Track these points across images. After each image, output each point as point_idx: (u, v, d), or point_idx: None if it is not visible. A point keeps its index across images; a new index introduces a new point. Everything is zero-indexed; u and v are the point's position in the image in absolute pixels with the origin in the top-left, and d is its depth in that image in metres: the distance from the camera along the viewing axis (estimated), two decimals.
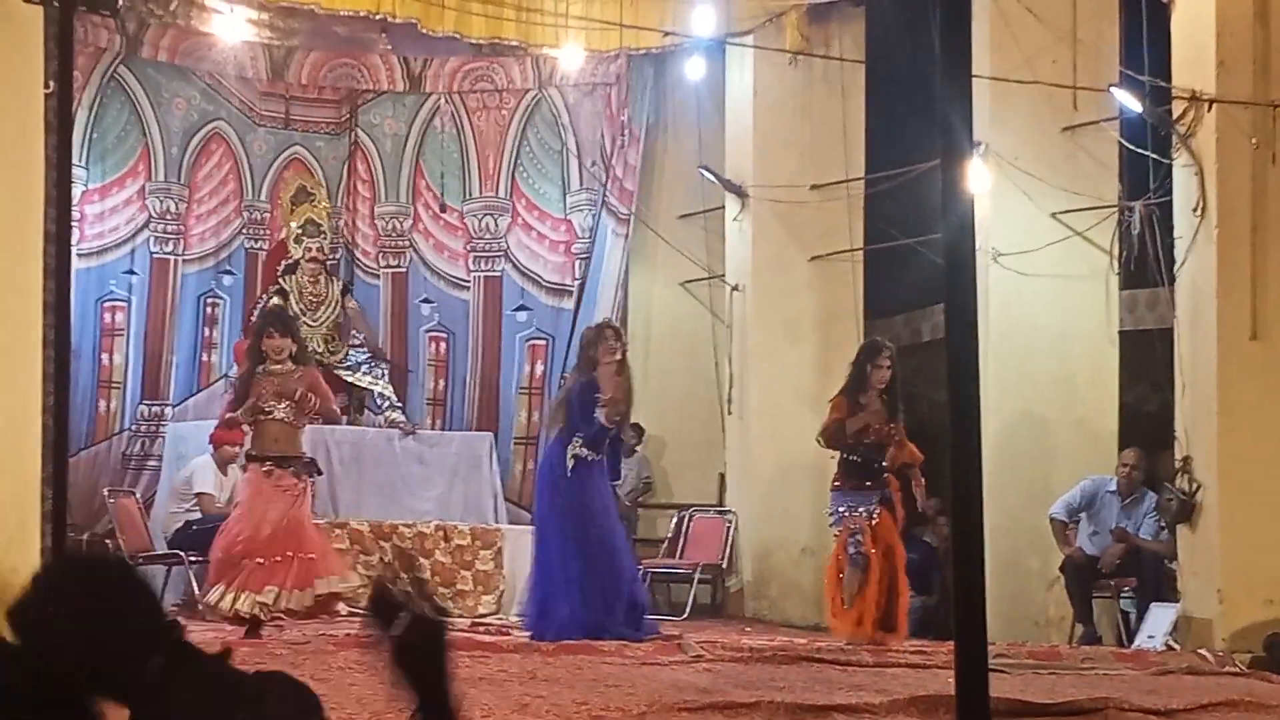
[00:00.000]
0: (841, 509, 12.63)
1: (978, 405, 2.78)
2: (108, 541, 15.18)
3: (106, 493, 15.59)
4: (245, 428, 12.57)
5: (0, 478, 10.05)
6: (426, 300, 17.99)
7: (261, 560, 11.83)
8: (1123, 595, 14.16)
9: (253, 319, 16.74)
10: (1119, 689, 9.37)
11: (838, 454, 12.79)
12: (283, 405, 12.14)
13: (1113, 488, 14.05)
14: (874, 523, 12.49)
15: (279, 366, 12.22)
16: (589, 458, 12.47)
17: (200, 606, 12.48)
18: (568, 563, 12.37)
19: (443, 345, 17.99)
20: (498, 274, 17.89)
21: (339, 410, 12.91)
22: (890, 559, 12.59)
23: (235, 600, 11.77)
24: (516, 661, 10.32)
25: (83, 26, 15.47)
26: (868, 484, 12.60)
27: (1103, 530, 13.99)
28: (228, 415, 13.15)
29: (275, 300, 16.30)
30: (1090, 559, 13.92)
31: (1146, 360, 15.08)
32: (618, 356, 12.60)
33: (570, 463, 12.45)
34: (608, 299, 17.55)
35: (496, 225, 17.89)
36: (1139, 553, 13.81)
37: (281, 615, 11.98)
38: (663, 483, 17.92)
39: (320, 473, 13.00)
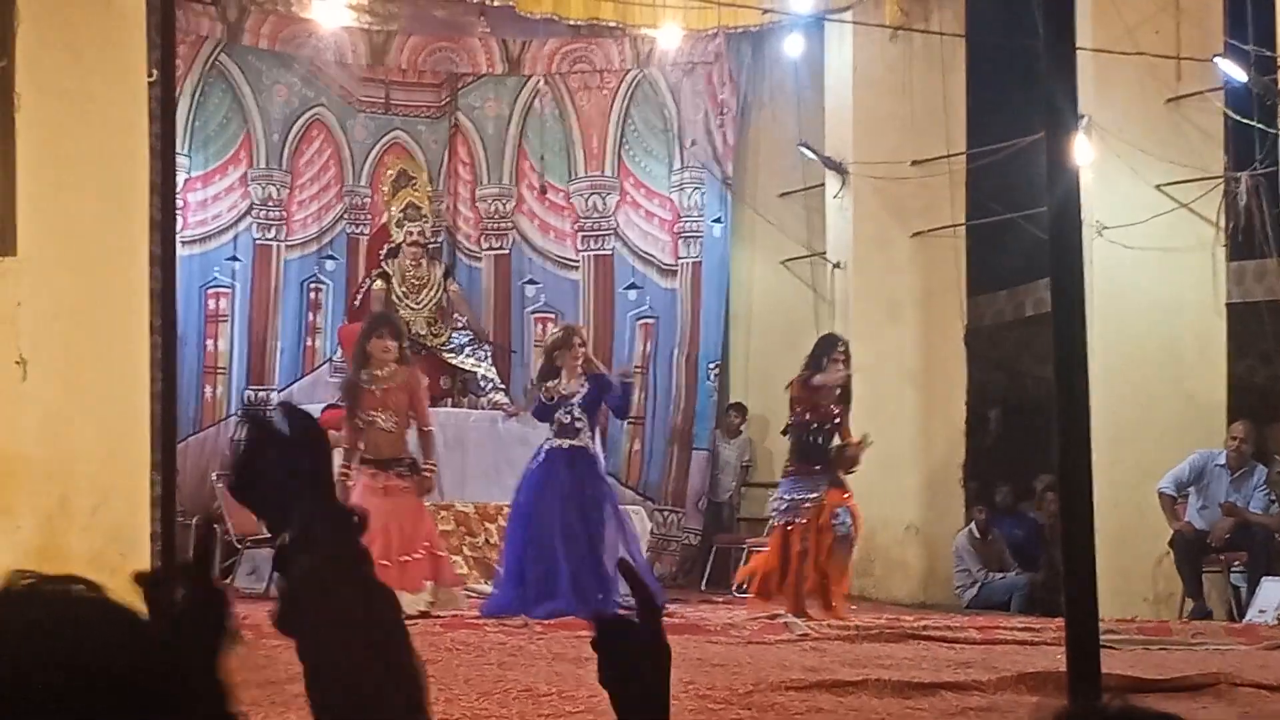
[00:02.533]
0: (793, 496, 12.81)
1: (1085, 381, 2.76)
2: (216, 526, 15.31)
3: (215, 477, 15.72)
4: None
5: (110, 464, 10.14)
6: (531, 281, 18.02)
7: (386, 563, 11.89)
8: (1233, 570, 14.01)
9: (355, 303, 16.85)
10: (1230, 664, 9.29)
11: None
12: (384, 414, 12.37)
13: (1222, 461, 13.91)
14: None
15: (382, 371, 12.42)
16: (562, 445, 12.84)
17: None
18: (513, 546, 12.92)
19: (549, 326, 17.99)
20: (608, 252, 17.91)
21: (428, 417, 12.99)
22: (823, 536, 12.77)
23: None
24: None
25: (184, 15, 15.60)
26: (817, 467, 12.78)
27: (1212, 504, 13.85)
28: (338, 423, 13.18)
29: (379, 283, 16.39)
30: (1200, 533, 13.78)
31: (1255, 332, 14.93)
32: (577, 359, 13.09)
33: (543, 454, 12.99)
34: (713, 279, 17.56)
35: (605, 204, 17.91)
36: (1249, 527, 13.67)
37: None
38: (766, 462, 17.88)
39: (420, 471, 12.97)
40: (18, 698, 1.63)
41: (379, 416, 12.39)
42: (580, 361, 13.05)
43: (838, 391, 12.97)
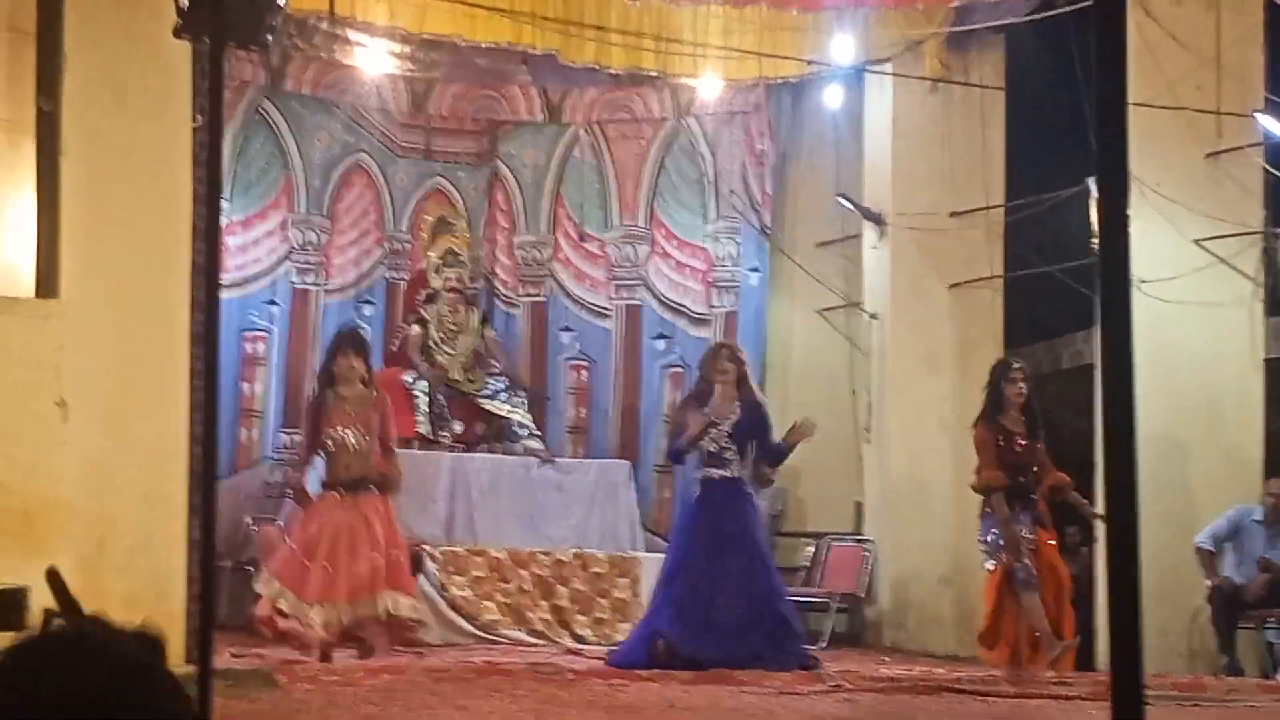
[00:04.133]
0: (993, 536, 12.34)
1: (1134, 435, 2.76)
2: (250, 569, 15.34)
3: (249, 521, 15.77)
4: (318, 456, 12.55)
5: (148, 507, 10.18)
6: (567, 329, 18.06)
7: (327, 565, 11.82)
8: (1267, 626, 13.96)
9: (393, 348, 16.90)
10: None
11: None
12: (353, 432, 12.15)
13: (1259, 516, 13.87)
14: (1033, 546, 12.25)
15: (350, 390, 12.22)
16: (716, 476, 12.45)
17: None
18: (673, 585, 12.42)
19: (584, 373, 18.05)
20: (638, 302, 17.94)
21: (394, 447, 12.65)
22: (1055, 575, 12.34)
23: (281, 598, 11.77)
24: (656, 690, 10.32)
25: (228, 61, 15.68)
26: (1018, 506, 12.35)
27: (1248, 560, 13.81)
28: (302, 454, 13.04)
29: (415, 328, 16.46)
30: (1236, 588, 13.74)
31: None
32: (730, 376, 12.63)
33: (698, 486, 12.53)
34: (749, 328, 17.58)
35: (636, 254, 17.95)
36: None
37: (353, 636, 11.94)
38: (799, 511, 17.88)
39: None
40: None
41: (348, 434, 12.15)
42: (732, 380, 12.63)
43: (1022, 414, 12.44)
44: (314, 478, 13.38)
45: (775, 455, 12.94)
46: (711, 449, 12.48)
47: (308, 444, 12.45)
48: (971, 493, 12.71)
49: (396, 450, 12.68)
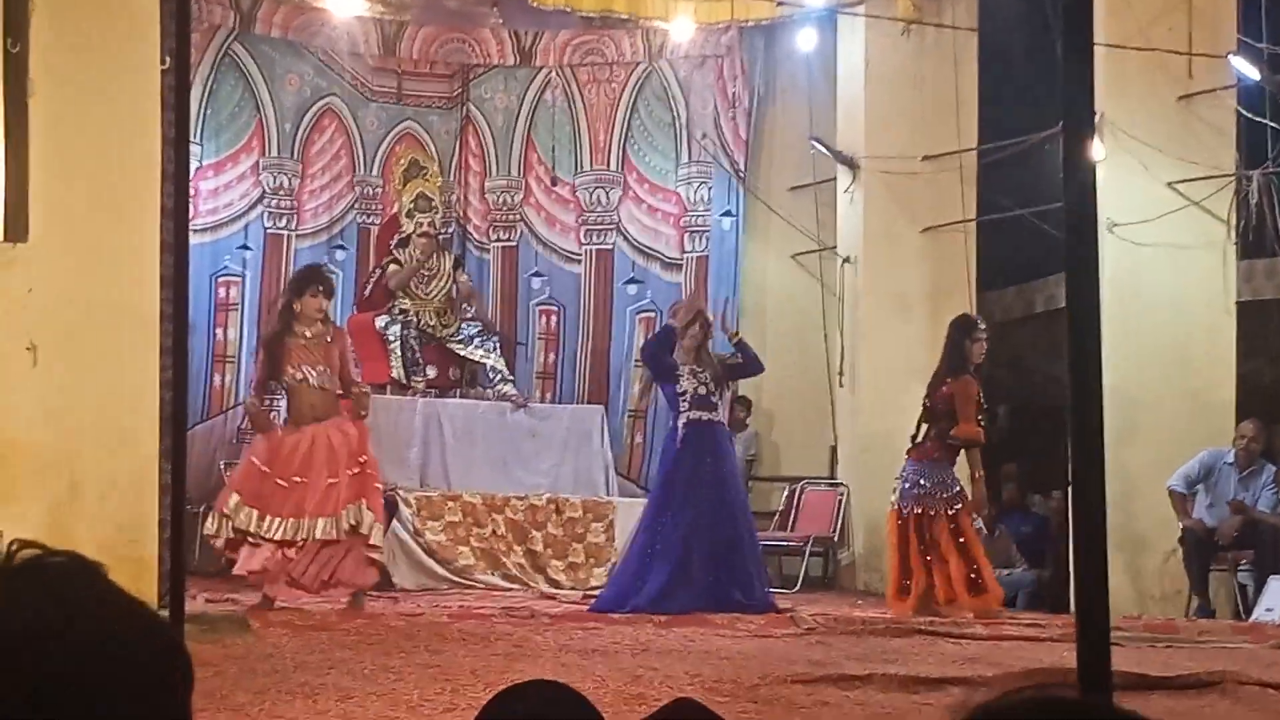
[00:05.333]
0: (941, 479, 12.57)
1: (1099, 379, 2.76)
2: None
3: (222, 466, 15.74)
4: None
5: (119, 451, 10.15)
6: (537, 274, 18.03)
7: (282, 481, 11.64)
8: (1240, 568, 14.02)
9: (365, 292, 16.84)
10: (1236, 662, 9.29)
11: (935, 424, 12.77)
12: (316, 369, 11.84)
13: (1230, 459, 13.91)
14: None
15: (310, 329, 11.93)
16: (703, 419, 12.62)
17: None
18: (659, 534, 12.51)
19: (553, 319, 18.02)
20: (609, 247, 17.91)
21: (360, 380, 12.36)
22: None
23: (235, 519, 11.60)
24: (629, 633, 10.34)
25: (197, 3, 15.63)
26: (952, 458, 12.68)
27: (1220, 503, 13.85)
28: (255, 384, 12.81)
29: (393, 266, 16.38)
30: (1208, 531, 13.79)
31: (1265, 331, 14.93)
32: (697, 341, 12.89)
33: (682, 427, 12.60)
34: (722, 273, 17.57)
35: (608, 198, 17.91)
36: (1256, 525, 13.68)
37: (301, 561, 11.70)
38: (773, 455, 17.91)
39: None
40: (25, 668, 1.63)
41: (310, 372, 11.80)
42: (696, 344, 12.86)
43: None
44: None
45: (753, 362, 13.36)
46: (700, 391, 12.67)
47: (262, 376, 12.22)
48: None
49: (361, 383, 12.51)
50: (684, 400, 12.66)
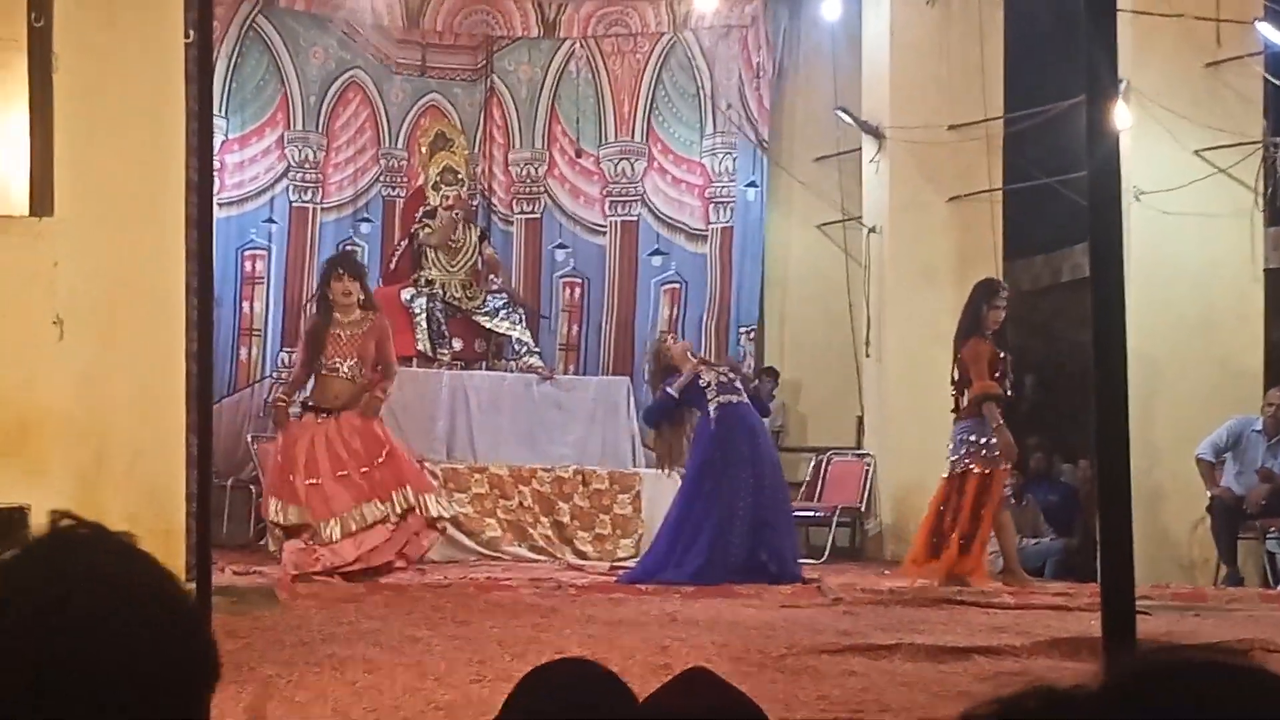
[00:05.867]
0: (975, 439, 12.55)
1: (1123, 347, 2.75)
2: (251, 487, 15.37)
3: (250, 439, 15.79)
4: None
5: (145, 424, 10.18)
6: (561, 246, 18.04)
7: (314, 481, 11.71)
8: (1268, 536, 13.98)
9: (391, 266, 16.87)
10: (1264, 630, 9.27)
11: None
12: (349, 362, 11.94)
13: (1259, 427, 13.86)
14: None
15: (346, 316, 11.99)
16: (733, 401, 12.69)
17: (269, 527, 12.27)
18: (694, 517, 12.52)
19: (577, 290, 18.03)
20: (634, 218, 17.90)
21: (395, 368, 12.48)
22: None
23: (286, 513, 11.71)
24: (656, 604, 10.36)
25: None
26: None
27: (1248, 470, 13.81)
28: (289, 376, 12.91)
29: (424, 232, 16.39)
30: (1236, 499, 13.75)
31: None
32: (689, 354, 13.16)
33: (714, 412, 12.64)
34: (747, 243, 17.56)
35: (633, 170, 17.90)
36: None
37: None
38: (800, 426, 17.90)
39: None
40: (38, 641, 1.63)
41: (342, 365, 11.95)
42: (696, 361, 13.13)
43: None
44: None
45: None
46: (723, 379, 12.81)
47: (303, 370, 12.31)
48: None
49: (396, 370, 12.59)
50: (710, 391, 12.73)
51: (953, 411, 12.89)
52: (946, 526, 12.54)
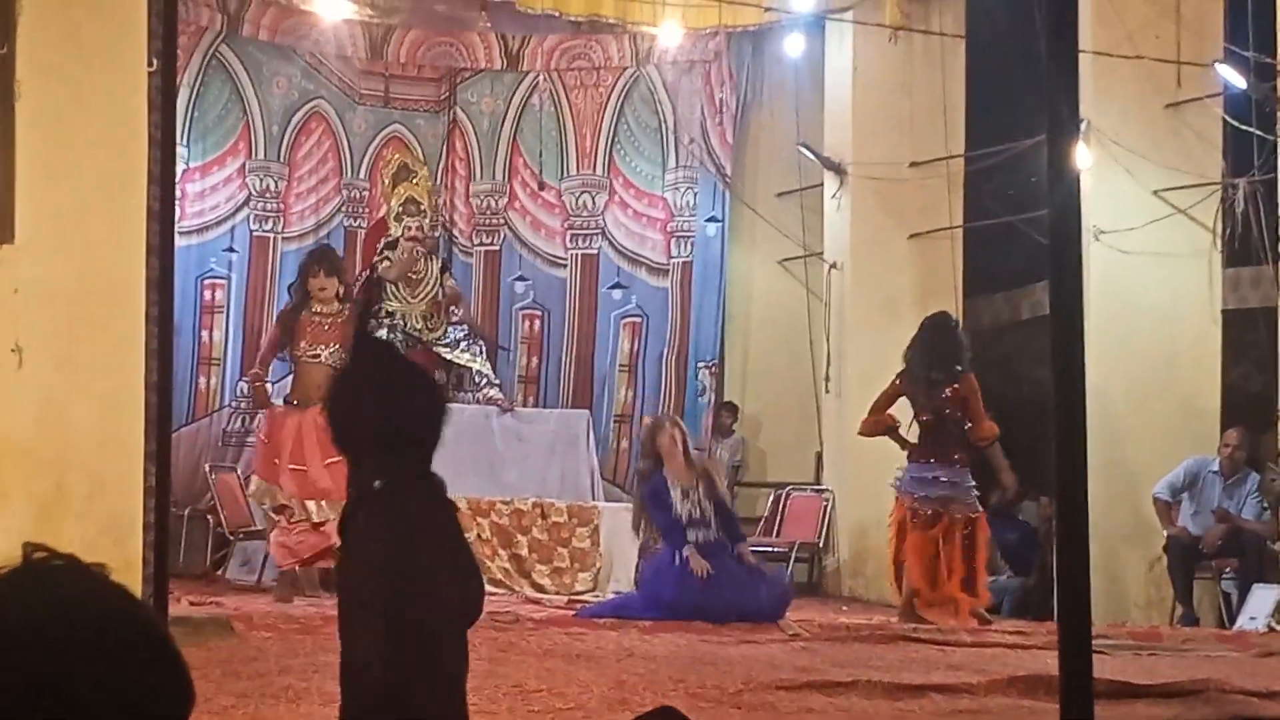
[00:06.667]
0: (963, 481, 12.59)
1: (1083, 385, 2.76)
2: (208, 517, 15.32)
3: (208, 469, 15.73)
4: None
5: (104, 452, 10.13)
6: (521, 278, 18.04)
7: (299, 467, 11.64)
8: (1224, 576, 14.02)
9: (354, 295, 16.83)
10: (1220, 671, 9.29)
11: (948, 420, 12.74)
12: (330, 349, 11.81)
13: (1215, 468, 13.92)
14: None
15: (324, 307, 11.93)
16: (700, 539, 12.11)
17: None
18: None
19: (537, 323, 18.03)
20: (594, 251, 17.92)
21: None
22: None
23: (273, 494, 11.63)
24: (614, 639, 10.33)
25: (184, 5, 15.59)
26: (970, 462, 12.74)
27: (1205, 511, 13.86)
28: (261, 356, 12.79)
29: (385, 263, 16.35)
30: (1193, 539, 13.79)
31: (1250, 339, 14.93)
32: (680, 448, 12.32)
33: (682, 551, 12.10)
34: (708, 278, 17.59)
35: (594, 203, 17.93)
36: (1241, 533, 13.68)
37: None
38: (759, 461, 17.91)
39: None
40: (19, 671, 1.62)
41: (323, 351, 11.84)
42: (680, 450, 12.27)
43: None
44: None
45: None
46: (695, 513, 12.17)
47: (268, 352, 12.22)
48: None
49: None
50: (680, 529, 12.14)
51: (910, 447, 12.87)
52: (943, 576, 12.54)
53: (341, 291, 12.09)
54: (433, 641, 2.65)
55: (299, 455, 11.70)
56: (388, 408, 2.61)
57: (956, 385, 12.60)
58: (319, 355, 11.89)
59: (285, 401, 12.28)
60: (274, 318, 15.17)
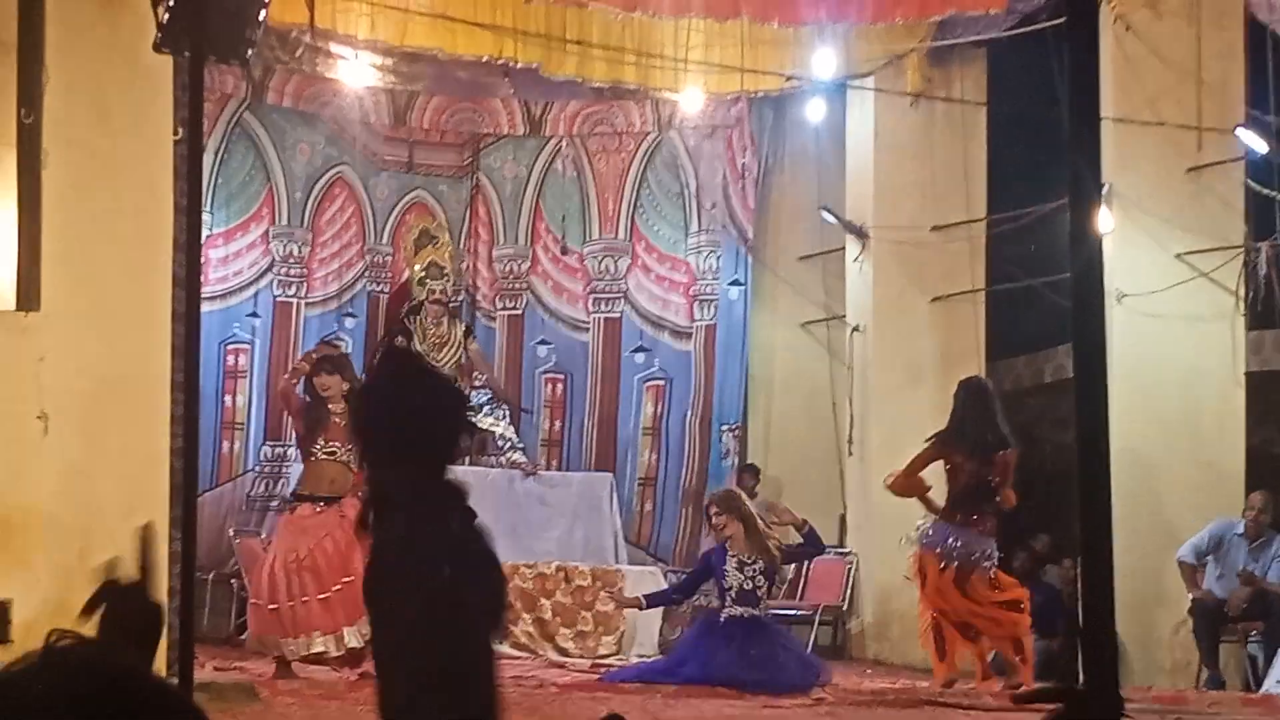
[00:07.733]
0: (976, 554, 12.56)
1: (1107, 448, 2.77)
2: (232, 582, 15.32)
3: (232, 533, 15.74)
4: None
5: (129, 519, 10.11)
6: (544, 342, 18.06)
7: (307, 599, 11.55)
8: (1250, 639, 13.97)
9: (375, 360, 16.85)
10: None
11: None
12: (347, 448, 11.79)
13: (1240, 530, 13.88)
14: None
15: (334, 405, 11.91)
16: (745, 615, 11.99)
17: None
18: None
19: (559, 386, 18.05)
20: (617, 315, 17.94)
21: None
22: None
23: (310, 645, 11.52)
24: (638, 703, 10.31)
25: (209, 73, 15.62)
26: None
27: (1229, 573, 13.81)
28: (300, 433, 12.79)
29: (400, 339, 16.38)
30: (1218, 602, 13.75)
31: (1274, 402, 14.93)
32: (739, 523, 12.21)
33: (723, 616, 12.10)
34: (731, 342, 17.60)
35: (616, 267, 17.96)
36: (1266, 596, 13.63)
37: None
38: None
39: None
40: None
41: (339, 449, 11.89)
42: (740, 525, 12.18)
43: None
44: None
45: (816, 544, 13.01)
46: (746, 586, 12.02)
47: (309, 434, 12.14)
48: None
49: None
50: (729, 595, 12.04)
51: (943, 513, 12.77)
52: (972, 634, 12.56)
53: (346, 388, 12.02)
54: (462, 638, 2.70)
55: (301, 585, 11.57)
56: (411, 411, 2.66)
57: (1004, 451, 12.51)
58: (335, 453, 11.85)
59: (294, 495, 12.25)
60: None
